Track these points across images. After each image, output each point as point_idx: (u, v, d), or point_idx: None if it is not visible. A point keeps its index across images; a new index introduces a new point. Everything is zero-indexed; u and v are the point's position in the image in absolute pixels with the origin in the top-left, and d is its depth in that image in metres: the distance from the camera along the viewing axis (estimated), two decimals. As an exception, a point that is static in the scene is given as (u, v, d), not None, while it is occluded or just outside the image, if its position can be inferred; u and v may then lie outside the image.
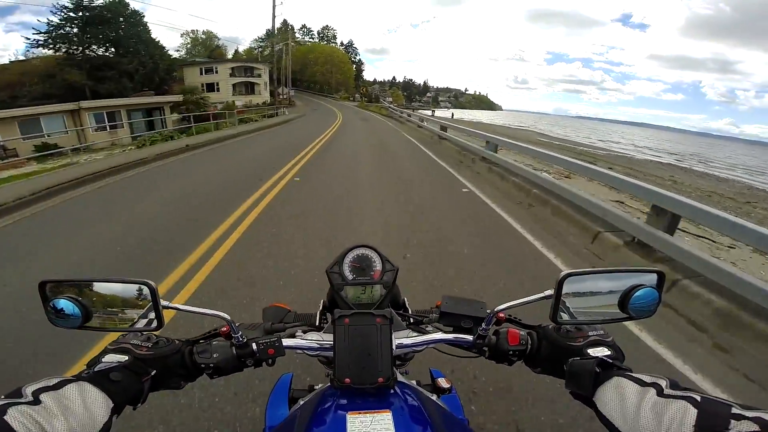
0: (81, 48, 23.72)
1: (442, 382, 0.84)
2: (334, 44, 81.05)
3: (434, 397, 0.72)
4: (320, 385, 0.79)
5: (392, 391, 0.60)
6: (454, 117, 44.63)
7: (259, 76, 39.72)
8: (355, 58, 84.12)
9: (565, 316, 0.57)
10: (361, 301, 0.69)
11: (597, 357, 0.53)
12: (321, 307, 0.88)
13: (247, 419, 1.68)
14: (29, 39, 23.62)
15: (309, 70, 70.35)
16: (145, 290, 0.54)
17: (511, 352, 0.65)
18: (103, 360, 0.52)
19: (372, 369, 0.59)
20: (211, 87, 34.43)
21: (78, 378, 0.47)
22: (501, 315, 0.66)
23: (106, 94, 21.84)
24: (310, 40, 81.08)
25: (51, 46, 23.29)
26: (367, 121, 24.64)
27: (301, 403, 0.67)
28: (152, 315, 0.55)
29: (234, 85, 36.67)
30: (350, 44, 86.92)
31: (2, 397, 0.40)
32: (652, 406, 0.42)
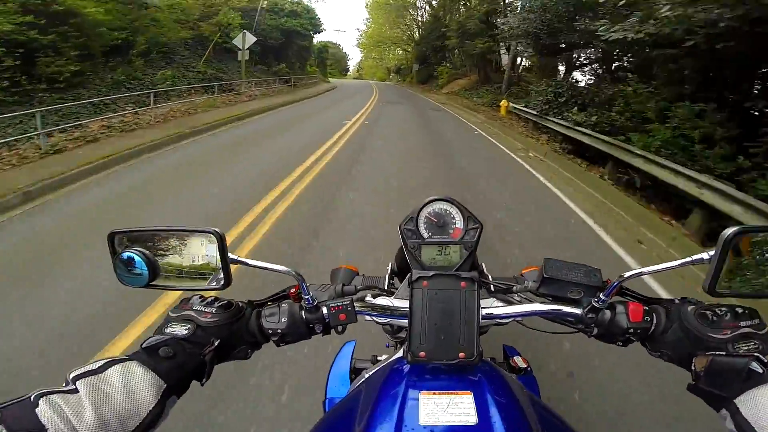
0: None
1: (519, 362, 0.76)
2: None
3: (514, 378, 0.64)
4: (385, 356, 0.73)
5: (472, 369, 0.53)
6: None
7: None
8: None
9: (725, 287, 0.45)
10: (437, 264, 0.60)
11: (751, 355, 0.43)
12: (389, 271, 0.80)
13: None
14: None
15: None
16: (213, 240, 0.49)
17: (631, 331, 0.53)
18: (166, 330, 0.47)
19: (452, 342, 0.51)
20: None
21: (129, 358, 0.42)
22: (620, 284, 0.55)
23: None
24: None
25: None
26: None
27: (366, 376, 0.63)
28: (220, 272, 0.50)
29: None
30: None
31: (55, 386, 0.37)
32: None
